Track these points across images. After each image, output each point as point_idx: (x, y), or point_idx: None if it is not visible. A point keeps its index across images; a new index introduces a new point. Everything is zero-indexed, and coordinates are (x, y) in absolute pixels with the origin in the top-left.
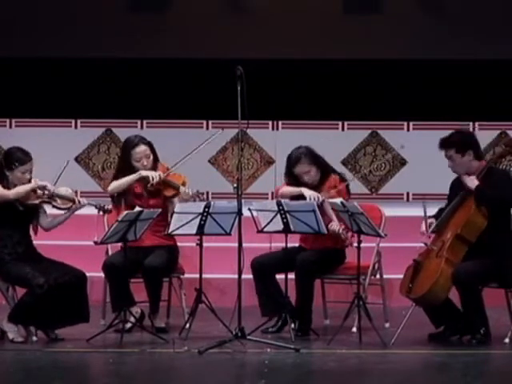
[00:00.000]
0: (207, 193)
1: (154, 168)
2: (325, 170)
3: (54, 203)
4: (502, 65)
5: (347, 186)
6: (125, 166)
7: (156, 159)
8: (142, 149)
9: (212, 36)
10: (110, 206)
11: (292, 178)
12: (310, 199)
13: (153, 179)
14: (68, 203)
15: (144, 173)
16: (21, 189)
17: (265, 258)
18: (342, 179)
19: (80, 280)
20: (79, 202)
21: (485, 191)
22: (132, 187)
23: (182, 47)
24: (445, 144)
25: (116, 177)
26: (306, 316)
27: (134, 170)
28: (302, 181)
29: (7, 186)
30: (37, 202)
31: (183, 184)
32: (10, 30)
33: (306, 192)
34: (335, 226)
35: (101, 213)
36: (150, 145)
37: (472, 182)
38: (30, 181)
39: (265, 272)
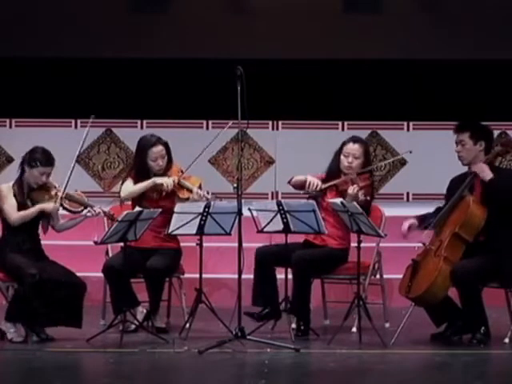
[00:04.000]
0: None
1: (168, 169)
2: (365, 168)
3: (65, 205)
4: (502, 65)
5: (372, 185)
6: (139, 166)
7: (170, 160)
8: (158, 149)
9: (212, 36)
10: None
11: (335, 164)
12: (310, 184)
13: (167, 187)
14: (79, 207)
15: (158, 180)
16: (26, 215)
17: (268, 249)
18: (371, 175)
19: (79, 287)
20: (94, 210)
21: (499, 183)
22: (144, 192)
23: (182, 47)
24: (461, 126)
25: (129, 175)
26: (303, 314)
27: (148, 170)
28: (342, 166)
29: (20, 184)
30: (50, 202)
31: (199, 187)
32: (9, 30)
33: (309, 177)
34: (352, 189)
35: (109, 220)
36: (166, 145)
37: (486, 172)
38: (44, 184)
39: (265, 262)
